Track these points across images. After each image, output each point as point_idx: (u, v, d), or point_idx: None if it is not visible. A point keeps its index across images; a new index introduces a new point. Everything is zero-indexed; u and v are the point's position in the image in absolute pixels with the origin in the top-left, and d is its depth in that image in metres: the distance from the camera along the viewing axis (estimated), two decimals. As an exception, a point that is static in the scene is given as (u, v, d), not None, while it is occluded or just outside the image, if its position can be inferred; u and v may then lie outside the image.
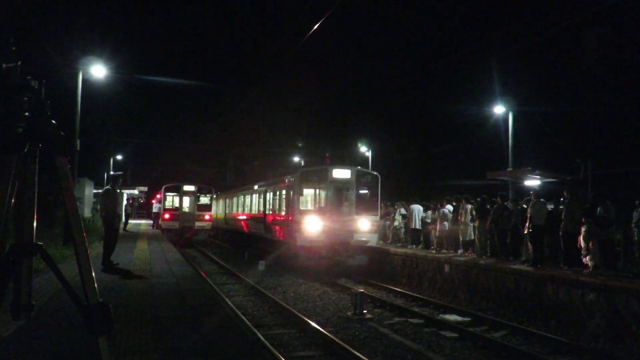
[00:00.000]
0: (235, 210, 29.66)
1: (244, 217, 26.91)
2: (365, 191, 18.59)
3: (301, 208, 17.91)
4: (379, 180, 18.74)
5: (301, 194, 18.23)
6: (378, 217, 18.67)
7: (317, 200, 18.98)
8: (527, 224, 12.68)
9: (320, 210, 18.04)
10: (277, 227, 19.97)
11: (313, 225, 17.16)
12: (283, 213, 19.23)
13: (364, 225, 17.67)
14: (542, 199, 13.11)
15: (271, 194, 21.53)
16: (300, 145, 42.59)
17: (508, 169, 20.27)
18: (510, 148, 22.30)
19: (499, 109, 22.88)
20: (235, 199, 30.04)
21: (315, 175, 18.39)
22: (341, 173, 18.24)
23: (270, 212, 21.27)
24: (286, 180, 19.26)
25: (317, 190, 18.88)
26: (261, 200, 23.15)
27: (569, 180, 17.42)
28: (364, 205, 18.25)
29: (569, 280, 10.37)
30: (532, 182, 17.30)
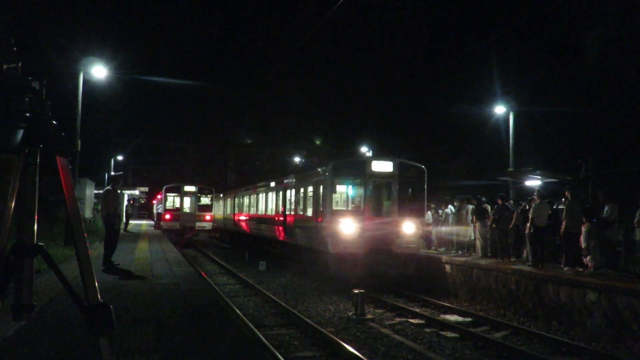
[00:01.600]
0: (246, 210, 26.94)
1: (257, 219, 24.10)
2: (410, 188, 15.76)
3: (334, 208, 15.28)
4: (426, 175, 15.85)
5: (334, 191, 15.48)
6: (425, 220, 16.22)
7: (353, 199, 16.42)
8: (528, 225, 12.69)
9: (357, 211, 15.34)
10: (301, 231, 17.24)
11: (349, 229, 14.42)
12: (310, 214, 16.49)
13: (409, 229, 14.93)
14: (544, 200, 13.11)
15: (293, 191, 18.57)
16: (300, 144, 42.63)
17: (509, 169, 20.26)
18: (511, 148, 22.29)
19: (499, 109, 22.88)
20: (245, 198, 27.28)
21: (351, 168, 15.63)
22: (382, 166, 15.36)
23: (292, 213, 18.41)
24: (314, 174, 16.48)
25: (352, 187, 16.24)
26: (280, 199, 20.21)
27: (570, 180, 17.40)
28: (409, 204, 15.49)
29: (569, 280, 10.37)
30: (533, 182, 17.29)
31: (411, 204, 15.59)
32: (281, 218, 19.51)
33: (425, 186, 15.83)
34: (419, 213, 15.59)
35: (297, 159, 41.84)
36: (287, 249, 19.30)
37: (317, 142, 37.81)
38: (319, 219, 15.32)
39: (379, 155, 16.89)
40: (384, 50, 57.99)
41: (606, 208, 11.40)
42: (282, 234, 19.26)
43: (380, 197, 15.76)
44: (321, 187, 15.46)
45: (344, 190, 16.53)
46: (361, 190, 15.57)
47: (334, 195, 15.57)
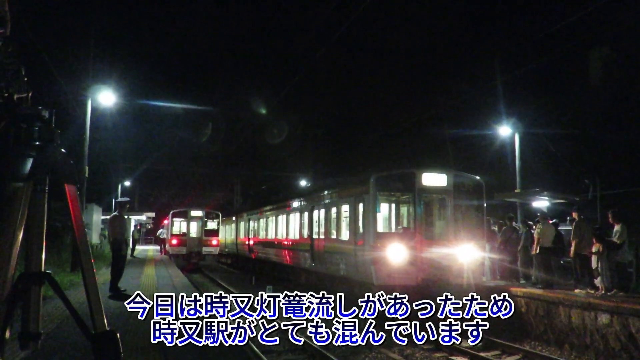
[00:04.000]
0: (262, 234, 24.49)
1: (276, 244, 21.74)
2: (467, 205, 13.35)
3: (378, 230, 13.09)
4: (484, 189, 13.55)
5: (378, 209, 13.17)
6: (485, 245, 13.74)
7: (401, 219, 14.44)
8: (534, 246, 12.60)
9: (406, 233, 13.17)
10: (333, 257, 14.89)
11: (398, 255, 12.16)
12: (345, 237, 14.27)
13: (468, 255, 12.54)
14: (549, 221, 13.03)
15: (322, 210, 16.19)
16: (307, 165, 42.66)
17: (516, 191, 20.17)
18: (517, 169, 22.23)
19: (505, 131, 22.88)
20: (261, 221, 24.89)
21: (397, 182, 13.39)
22: (434, 179, 13.08)
23: (322, 237, 15.97)
24: (350, 190, 14.32)
25: (398, 205, 14.36)
26: (305, 219, 17.73)
27: (578, 201, 17.30)
28: (467, 225, 13.13)
29: (581, 302, 10.22)
30: (541, 203, 17.19)
31: (469, 224, 13.26)
32: (307, 242, 17.10)
33: (485, 204, 13.65)
34: (478, 235, 13.28)
35: (303, 182, 41.82)
36: (314, 278, 16.86)
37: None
38: (359, 243, 13.15)
39: (429, 166, 14.13)
40: (387, 71, 58.50)
41: (616, 228, 11.31)
42: (309, 260, 16.87)
43: (432, 216, 13.68)
44: (361, 204, 13.23)
45: (386, 209, 14.45)
46: (410, 208, 13.53)
47: (378, 215, 13.25)
